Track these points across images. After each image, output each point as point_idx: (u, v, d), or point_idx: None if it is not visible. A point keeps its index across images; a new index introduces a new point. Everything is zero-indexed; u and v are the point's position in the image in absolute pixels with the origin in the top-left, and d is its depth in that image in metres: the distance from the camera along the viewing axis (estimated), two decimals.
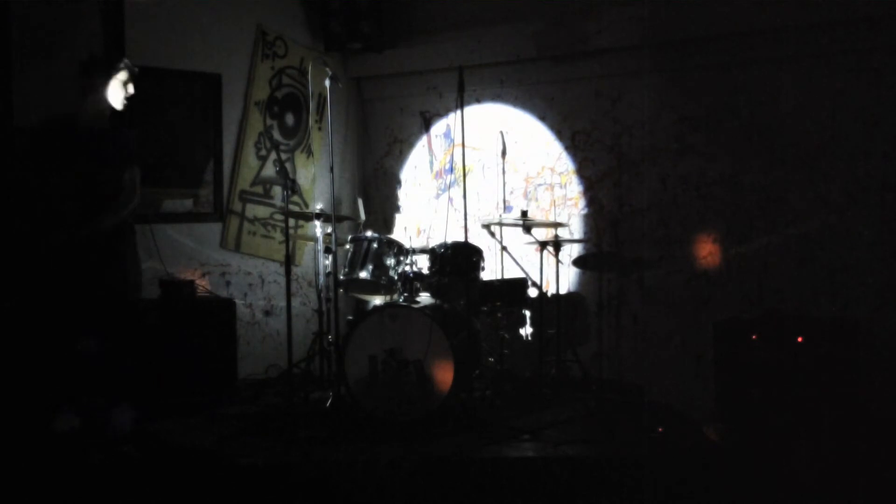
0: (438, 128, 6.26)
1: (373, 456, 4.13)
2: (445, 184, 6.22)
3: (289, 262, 4.72)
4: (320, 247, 5.15)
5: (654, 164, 5.34)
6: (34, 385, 4.44)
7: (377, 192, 6.59)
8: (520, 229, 5.35)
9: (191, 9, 5.50)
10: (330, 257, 4.94)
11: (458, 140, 5.11)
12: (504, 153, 5.94)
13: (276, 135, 6.02)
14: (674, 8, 5.13)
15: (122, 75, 4.45)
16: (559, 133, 5.75)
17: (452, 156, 6.10)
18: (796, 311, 4.60)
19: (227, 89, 5.67)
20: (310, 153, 6.21)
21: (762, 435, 4.23)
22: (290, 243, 6.15)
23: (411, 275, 5.04)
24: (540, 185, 5.82)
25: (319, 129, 6.27)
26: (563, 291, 5.52)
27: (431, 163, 6.32)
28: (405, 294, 4.98)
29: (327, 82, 4.71)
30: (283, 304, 6.04)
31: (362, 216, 5.85)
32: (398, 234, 6.24)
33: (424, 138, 6.33)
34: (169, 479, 4.05)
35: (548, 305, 5.41)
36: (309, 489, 4.01)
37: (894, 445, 4.19)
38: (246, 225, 5.89)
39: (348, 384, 4.62)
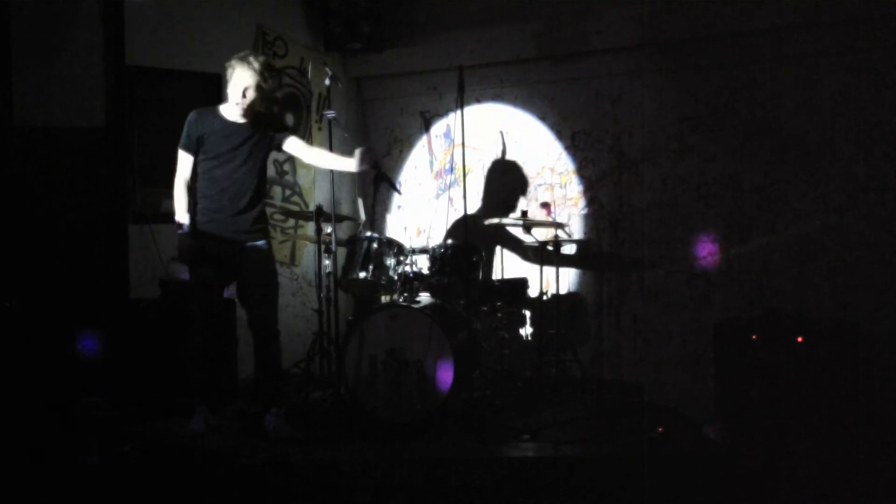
0: (438, 128, 6.26)
1: (373, 456, 4.13)
2: (445, 184, 6.22)
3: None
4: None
5: (654, 164, 5.34)
6: (34, 385, 4.45)
7: (377, 192, 6.58)
8: (520, 229, 5.35)
9: (191, 9, 5.50)
10: (330, 257, 4.93)
11: (458, 140, 5.11)
12: (504, 153, 5.94)
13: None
14: (674, 8, 5.13)
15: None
16: (559, 133, 5.75)
17: (452, 156, 6.10)
18: (796, 311, 4.60)
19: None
20: None
21: (762, 435, 4.23)
22: (291, 243, 6.15)
23: (411, 275, 5.04)
24: (540, 185, 5.82)
25: (319, 129, 6.26)
26: (563, 291, 5.51)
27: (431, 163, 6.32)
28: (405, 294, 4.98)
29: (327, 82, 4.71)
30: (283, 303, 6.05)
31: (362, 216, 5.84)
32: (398, 234, 6.23)
33: (424, 138, 6.33)
34: (169, 479, 4.05)
35: (548, 305, 5.41)
36: (309, 489, 4.01)
37: (894, 445, 4.19)
38: None
39: (348, 384, 4.62)
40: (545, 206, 5.51)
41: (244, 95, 4.27)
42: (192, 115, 4.38)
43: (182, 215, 4.32)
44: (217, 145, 4.34)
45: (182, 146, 4.35)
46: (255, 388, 4.73)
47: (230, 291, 4.69)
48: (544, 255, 5.29)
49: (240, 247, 4.40)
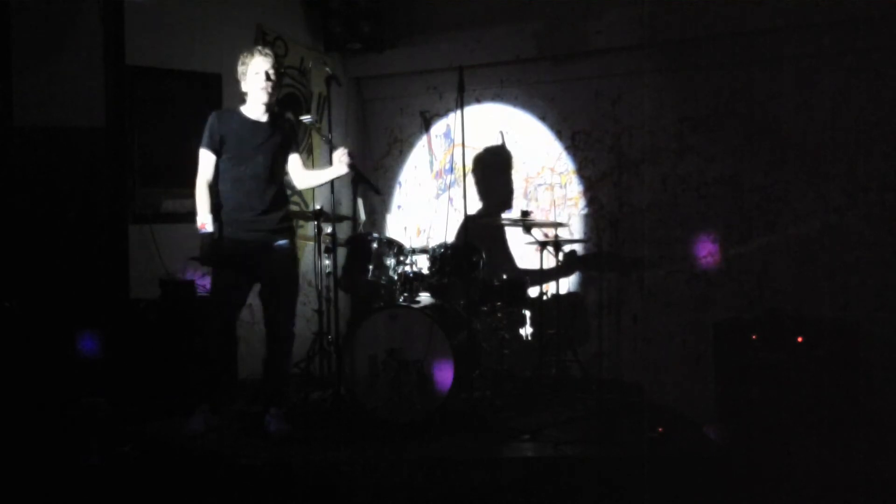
0: (438, 128, 6.26)
1: (373, 456, 4.13)
2: (445, 184, 6.22)
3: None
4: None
5: (654, 164, 5.34)
6: (34, 385, 4.45)
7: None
8: (520, 229, 5.35)
9: (191, 9, 5.49)
10: (330, 257, 4.93)
11: (458, 140, 5.11)
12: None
13: None
14: (674, 8, 5.13)
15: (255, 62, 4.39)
16: (559, 133, 5.75)
17: (452, 156, 6.10)
18: (796, 311, 4.60)
19: (227, 89, 5.66)
20: (310, 153, 6.20)
21: (762, 435, 4.23)
22: None
23: (411, 275, 5.04)
24: (540, 185, 5.82)
25: (319, 129, 6.26)
26: (563, 291, 5.52)
27: (431, 163, 6.32)
28: (405, 294, 4.98)
29: (327, 82, 4.71)
30: None
31: (362, 216, 5.84)
32: (398, 234, 6.23)
33: (424, 138, 6.33)
34: (169, 479, 4.05)
35: (548, 305, 5.41)
36: (309, 489, 4.01)
37: (894, 445, 4.19)
38: None
39: (348, 384, 4.62)
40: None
41: (267, 78, 4.34)
42: (212, 116, 4.40)
43: (205, 216, 4.30)
44: (238, 145, 4.35)
45: (205, 146, 4.35)
46: (260, 387, 4.74)
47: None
48: (544, 255, 5.29)
49: (263, 245, 4.38)
